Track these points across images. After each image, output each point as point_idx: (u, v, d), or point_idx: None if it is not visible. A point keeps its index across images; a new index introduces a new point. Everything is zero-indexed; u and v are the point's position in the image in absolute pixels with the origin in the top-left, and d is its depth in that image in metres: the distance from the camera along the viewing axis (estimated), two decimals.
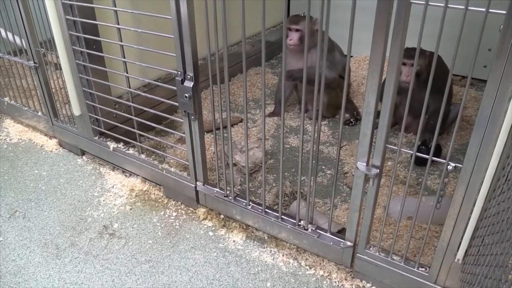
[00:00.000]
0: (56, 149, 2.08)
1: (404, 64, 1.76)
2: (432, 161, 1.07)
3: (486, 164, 0.98)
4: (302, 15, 2.09)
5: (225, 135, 1.86)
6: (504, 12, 0.82)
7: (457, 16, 0.88)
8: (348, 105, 2.31)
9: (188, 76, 1.36)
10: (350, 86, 2.33)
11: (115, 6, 1.45)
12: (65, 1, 1.56)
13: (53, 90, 1.94)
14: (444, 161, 1.04)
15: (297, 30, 2.01)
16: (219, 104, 1.37)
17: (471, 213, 1.06)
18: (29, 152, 2.06)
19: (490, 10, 0.84)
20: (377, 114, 1.07)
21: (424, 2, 0.90)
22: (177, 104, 1.45)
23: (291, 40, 2.00)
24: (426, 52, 1.74)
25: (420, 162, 1.75)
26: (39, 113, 2.09)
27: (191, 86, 1.36)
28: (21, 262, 1.47)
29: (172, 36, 1.32)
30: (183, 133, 1.54)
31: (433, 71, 0.97)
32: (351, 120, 2.27)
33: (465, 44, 0.92)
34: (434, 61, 0.95)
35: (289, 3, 3.10)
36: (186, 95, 1.37)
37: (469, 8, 0.86)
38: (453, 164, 1.04)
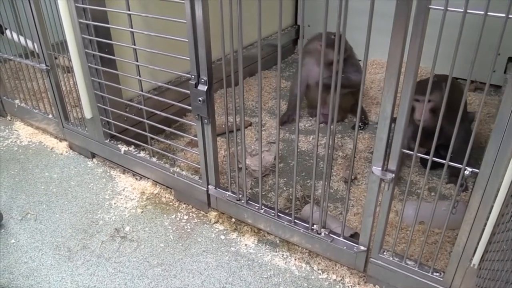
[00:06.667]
0: (66, 152, 2.08)
1: (416, 100, 1.59)
2: (442, 165, 1.07)
3: (503, 169, 0.98)
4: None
5: (233, 138, 1.86)
6: None
7: (468, 21, 0.88)
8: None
9: (202, 80, 1.36)
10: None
11: (129, 10, 1.46)
12: (78, 5, 1.57)
13: (64, 93, 1.94)
14: (461, 166, 1.04)
15: None
16: (232, 107, 1.37)
17: (487, 218, 1.05)
18: (40, 155, 2.06)
19: (511, 16, 0.84)
20: (394, 119, 1.07)
21: (443, 8, 0.91)
22: (187, 107, 1.45)
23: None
24: (442, 83, 1.44)
25: (432, 166, 1.74)
26: (50, 116, 2.10)
27: (205, 90, 1.36)
28: (34, 264, 1.47)
29: (187, 40, 1.33)
30: (193, 136, 1.55)
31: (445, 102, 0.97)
32: (360, 124, 2.26)
33: (474, 48, 0.91)
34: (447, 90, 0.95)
35: (296, 8, 3.11)
36: (200, 98, 1.38)
37: (489, 13, 0.86)
38: (470, 169, 1.03)
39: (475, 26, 0.88)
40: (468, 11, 0.89)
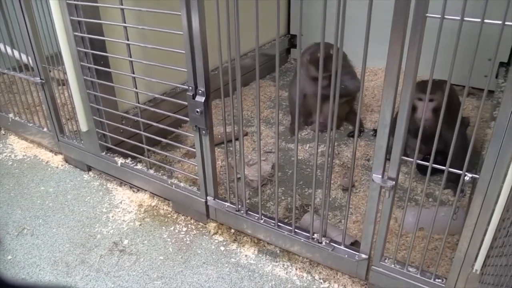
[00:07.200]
0: (62, 165, 2.06)
1: (419, 99, 1.59)
2: (438, 170, 1.08)
3: (503, 174, 0.98)
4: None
5: (230, 148, 1.86)
6: None
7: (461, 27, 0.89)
8: (352, 116, 2.33)
9: (200, 91, 1.36)
10: (355, 98, 2.35)
11: (125, 22, 1.46)
12: (73, 18, 1.56)
13: (59, 105, 1.93)
14: (461, 172, 1.05)
15: None
16: (231, 117, 1.37)
17: (488, 223, 1.06)
18: (35, 169, 2.04)
19: (507, 23, 0.85)
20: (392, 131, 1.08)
21: (440, 16, 0.92)
22: (184, 118, 1.45)
23: None
24: (443, 83, 1.42)
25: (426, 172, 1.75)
26: (44, 129, 2.08)
27: (203, 101, 1.36)
28: (32, 280, 1.45)
29: (184, 52, 1.33)
30: (190, 147, 1.54)
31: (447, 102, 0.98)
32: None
33: (467, 54, 0.92)
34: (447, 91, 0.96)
35: (288, 17, 3.13)
36: (198, 110, 1.37)
37: (485, 20, 0.87)
38: (470, 175, 1.04)
39: (466, 33, 0.89)
40: (465, 19, 0.90)
